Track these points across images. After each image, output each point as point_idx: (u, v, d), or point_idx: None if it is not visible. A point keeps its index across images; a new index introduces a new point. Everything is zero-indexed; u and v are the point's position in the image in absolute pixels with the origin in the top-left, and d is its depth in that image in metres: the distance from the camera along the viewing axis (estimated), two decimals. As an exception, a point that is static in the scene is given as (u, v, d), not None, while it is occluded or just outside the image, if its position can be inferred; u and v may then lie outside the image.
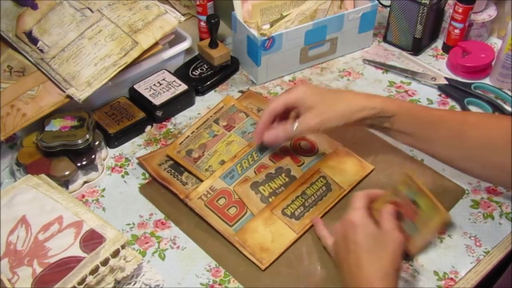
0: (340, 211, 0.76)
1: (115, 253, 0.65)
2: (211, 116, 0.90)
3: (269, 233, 0.74)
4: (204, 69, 1.00)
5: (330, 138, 0.86)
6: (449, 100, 0.97)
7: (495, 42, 1.08)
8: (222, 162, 0.82)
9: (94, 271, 0.63)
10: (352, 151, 0.85)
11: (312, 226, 0.75)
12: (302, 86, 0.76)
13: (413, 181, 0.68)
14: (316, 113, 0.73)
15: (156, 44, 0.87)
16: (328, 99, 0.74)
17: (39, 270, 0.63)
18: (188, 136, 0.87)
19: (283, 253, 0.72)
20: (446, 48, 1.06)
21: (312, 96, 0.74)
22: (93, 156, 0.81)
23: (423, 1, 0.99)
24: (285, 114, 0.77)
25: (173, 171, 0.82)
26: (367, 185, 0.81)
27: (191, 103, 0.96)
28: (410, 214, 0.68)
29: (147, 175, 0.84)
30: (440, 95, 0.98)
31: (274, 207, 0.76)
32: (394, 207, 0.68)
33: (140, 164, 0.85)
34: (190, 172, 0.82)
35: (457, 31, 1.02)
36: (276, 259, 0.72)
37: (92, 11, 0.88)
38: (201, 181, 0.80)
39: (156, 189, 0.81)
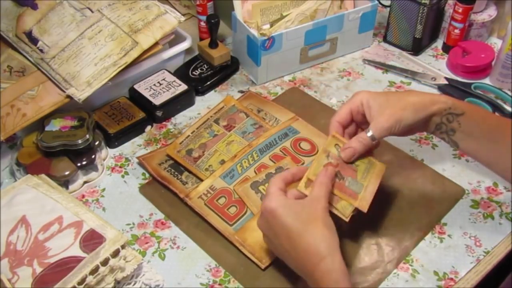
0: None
1: (115, 253, 0.65)
2: (211, 116, 0.90)
3: None
4: (204, 69, 1.00)
5: None
6: (449, 100, 0.97)
7: (495, 42, 1.08)
8: (222, 162, 0.82)
9: (94, 271, 0.63)
10: None
11: None
12: (361, 91, 0.72)
13: (341, 141, 0.68)
14: (387, 114, 0.68)
15: (156, 44, 0.87)
16: (395, 96, 0.70)
17: (39, 270, 0.63)
18: (188, 135, 0.87)
19: None
20: (446, 48, 1.06)
21: (377, 97, 0.70)
22: (93, 156, 0.81)
23: (423, 1, 0.99)
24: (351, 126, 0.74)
25: (173, 170, 0.82)
26: None
27: (191, 103, 0.96)
28: (349, 172, 0.68)
29: (147, 175, 0.84)
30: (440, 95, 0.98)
31: None
32: (329, 170, 0.66)
33: (140, 163, 0.85)
34: (190, 172, 0.82)
35: (457, 31, 1.02)
36: (276, 258, 0.72)
37: (92, 11, 0.88)
38: (201, 180, 0.80)
39: (156, 189, 0.81)
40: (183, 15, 0.93)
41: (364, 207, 0.67)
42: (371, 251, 0.72)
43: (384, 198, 0.79)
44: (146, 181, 0.83)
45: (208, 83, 0.98)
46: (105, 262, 0.64)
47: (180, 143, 0.86)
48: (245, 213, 0.76)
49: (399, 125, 0.68)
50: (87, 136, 0.79)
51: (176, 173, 0.82)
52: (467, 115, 0.68)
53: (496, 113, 0.91)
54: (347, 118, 0.72)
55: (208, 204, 0.77)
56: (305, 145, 0.85)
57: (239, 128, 0.87)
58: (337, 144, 0.71)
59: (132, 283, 0.69)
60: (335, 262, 0.59)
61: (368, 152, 0.72)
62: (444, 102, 0.68)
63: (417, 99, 0.69)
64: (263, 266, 0.70)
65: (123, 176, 0.84)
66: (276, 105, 0.93)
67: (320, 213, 0.62)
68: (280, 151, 0.83)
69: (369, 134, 0.69)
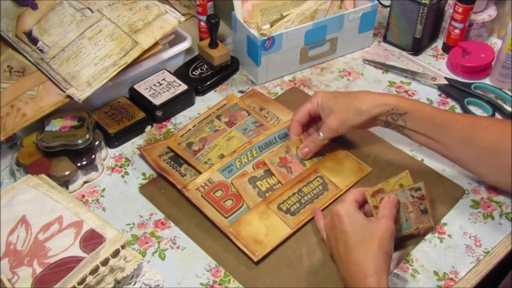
0: None
1: (115, 253, 0.65)
2: (213, 112, 0.90)
3: (264, 227, 0.74)
4: (204, 69, 1.00)
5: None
6: (449, 100, 0.97)
7: (495, 42, 1.08)
8: (222, 156, 0.82)
9: (94, 271, 0.63)
10: (352, 151, 0.85)
11: (307, 223, 0.75)
12: (320, 91, 0.81)
13: (410, 180, 0.72)
14: (335, 116, 0.77)
15: (156, 44, 0.87)
16: (344, 100, 0.77)
17: (39, 270, 0.63)
18: (190, 129, 0.88)
19: (276, 247, 0.73)
20: (446, 48, 1.06)
21: (329, 100, 0.78)
22: (93, 156, 0.81)
23: (423, 1, 0.99)
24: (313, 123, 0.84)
25: (172, 162, 0.83)
26: (366, 185, 0.80)
27: (191, 103, 0.96)
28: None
29: (147, 174, 0.84)
30: (440, 95, 0.98)
31: (270, 202, 0.77)
32: (392, 197, 0.70)
33: (140, 154, 0.85)
34: (189, 164, 0.82)
35: (457, 31, 1.02)
36: (270, 252, 0.72)
37: (92, 11, 0.88)
38: (200, 173, 0.81)
39: (156, 189, 0.81)
40: (183, 15, 0.93)
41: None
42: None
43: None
44: (146, 181, 0.83)
45: (208, 83, 0.98)
46: (105, 262, 0.64)
47: (181, 136, 0.86)
48: (241, 206, 0.76)
49: (345, 126, 0.77)
50: (87, 136, 0.79)
51: (175, 165, 0.83)
52: (411, 114, 0.74)
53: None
54: (306, 117, 0.82)
55: (205, 196, 0.77)
56: None
57: (240, 125, 0.87)
58: (298, 147, 0.82)
59: (132, 283, 0.69)
60: (380, 282, 0.61)
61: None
62: (386, 104, 0.75)
63: (360, 102, 0.76)
64: (255, 259, 0.71)
65: (123, 176, 0.84)
66: (278, 104, 0.93)
67: (381, 234, 0.65)
68: (280, 147, 0.84)
69: (320, 135, 0.80)
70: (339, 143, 0.85)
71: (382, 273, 0.62)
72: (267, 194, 0.78)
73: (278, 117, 0.90)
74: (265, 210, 0.76)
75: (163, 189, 0.81)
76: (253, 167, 0.81)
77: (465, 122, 0.74)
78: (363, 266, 0.62)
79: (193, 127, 0.88)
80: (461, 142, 0.73)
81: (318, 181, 0.80)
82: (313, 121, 0.84)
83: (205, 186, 0.78)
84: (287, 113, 0.90)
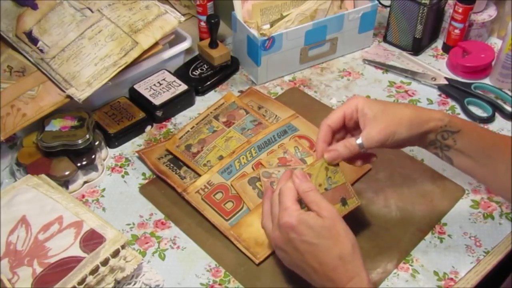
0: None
1: (115, 253, 0.65)
2: (211, 112, 0.90)
3: None
4: (204, 69, 1.00)
5: None
6: (449, 100, 0.97)
7: (495, 42, 1.08)
8: (221, 158, 0.82)
9: (94, 271, 0.63)
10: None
11: None
12: (359, 96, 0.69)
13: (301, 145, 0.75)
14: (381, 126, 0.66)
15: (156, 44, 0.87)
16: (391, 109, 0.67)
17: (39, 270, 0.63)
18: (188, 131, 0.87)
19: None
20: (446, 48, 1.06)
21: (372, 107, 0.67)
22: (93, 156, 0.81)
23: (423, 1, 0.99)
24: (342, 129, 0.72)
25: (172, 165, 0.83)
26: (367, 185, 0.81)
27: (191, 103, 0.96)
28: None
29: (147, 175, 0.84)
30: (440, 95, 0.98)
31: None
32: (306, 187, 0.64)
33: (139, 157, 0.85)
34: (188, 167, 0.82)
35: (457, 31, 1.02)
36: (271, 254, 0.72)
37: (92, 11, 0.88)
38: (199, 175, 0.80)
39: (156, 189, 0.81)
40: (183, 15, 0.93)
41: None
42: (371, 251, 0.72)
43: (384, 197, 0.79)
44: (146, 181, 0.83)
45: (208, 83, 0.98)
46: (105, 262, 0.64)
47: (180, 138, 0.86)
48: (241, 208, 0.76)
49: (392, 139, 0.66)
50: (87, 136, 0.79)
51: (174, 167, 0.83)
52: (463, 133, 0.67)
53: (484, 127, 0.89)
54: (339, 122, 0.70)
55: (205, 199, 0.77)
56: (304, 143, 0.85)
57: (238, 125, 0.87)
58: (296, 146, 0.80)
59: (132, 283, 0.69)
60: (364, 280, 0.59)
61: (352, 161, 0.71)
62: (440, 120, 0.66)
63: (414, 114, 0.66)
64: (257, 261, 0.71)
65: (123, 176, 0.84)
66: (276, 102, 0.93)
67: (337, 228, 0.61)
68: (278, 147, 0.84)
69: (359, 141, 0.67)
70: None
71: (361, 268, 0.60)
72: None
73: (276, 115, 0.90)
74: None
75: (163, 189, 0.81)
76: (253, 168, 0.81)
77: None
78: (343, 270, 0.59)
79: (191, 128, 0.88)
80: (509, 166, 0.66)
81: None
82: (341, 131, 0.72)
83: (205, 188, 0.78)
84: (286, 111, 0.90)
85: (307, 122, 0.88)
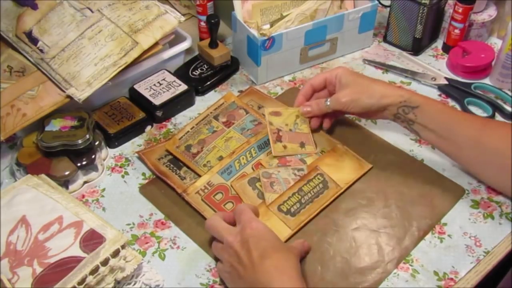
0: (336, 209, 0.77)
1: (115, 253, 0.65)
2: (211, 112, 0.90)
3: None
4: (204, 69, 1.00)
5: (330, 137, 0.86)
6: (449, 100, 0.97)
7: (495, 42, 1.08)
8: (220, 158, 0.82)
9: (94, 271, 0.63)
10: (351, 150, 0.85)
11: (307, 223, 0.75)
12: (342, 67, 0.84)
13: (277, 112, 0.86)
14: (348, 92, 0.79)
15: (156, 44, 0.87)
16: (362, 81, 0.80)
17: (39, 270, 0.63)
18: (188, 131, 0.87)
19: None
20: (446, 48, 1.06)
21: (349, 76, 0.80)
22: (93, 156, 0.81)
23: (423, 1, 0.99)
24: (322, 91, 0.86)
25: (172, 165, 0.83)
26: (367, 186, 0.81)
27: (191, 103, 0.96)
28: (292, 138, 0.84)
29: (147, 175, 0.84)
30: (440, 95, 0.98)
31: (270, 203, 0.76)
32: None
33: (139, 158, 0.85)
34: (188, 167, 0.82)
35: (457, 31, 1.02)
36: None
37: (92, 11, 0.88)
38: (199, 176, 0.80)
39: (156, 189, 0.81)
40: (183, 15, 0.93)
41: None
42: (371, 251, 0.72)
43: (385, 197, 0.79)
44: (146, 181, 0.83)
45: (208, 83, 0.98)
46: (105, 262, 0.64)
47: (180, 139, 0.86)
48: None
49: (354, 104, 0.79)
50: (87, 136, 0.79)
51: (174, 168, 0.82)
52: (422, 108, 0.75)
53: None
54: (321, 83, 0.85)
55: (205, 199, 0.77)
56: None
57: (238, 125, 0.87)
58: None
59: (132, 283, 0.69)
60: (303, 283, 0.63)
61: (326, 121, 0.86)
62: (400, 96, 0.76)
63: (376, 88, 0.78)
64: None
65: (123, 176, 0.84)
66: (277, 101, 0.93)
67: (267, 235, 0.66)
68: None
69: (327, 102, 0.82)
70: (338, 138, 0.86)
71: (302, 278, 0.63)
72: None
73: (266, 107, 0.90)
74: (265, 211, 0.75)
75: (163, 189, 0.81)
76: (252, 168, 0.81)
77: (475, 122, 0.74)
78: (286, 269, 0.62)
79: (191, 129, 0.88)
80: (469, 141, 0.74)
81: (318, 179, 0.80)
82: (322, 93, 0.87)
83: (205, 189, 0.78)
84: None
85: (307, 120, 0.88)
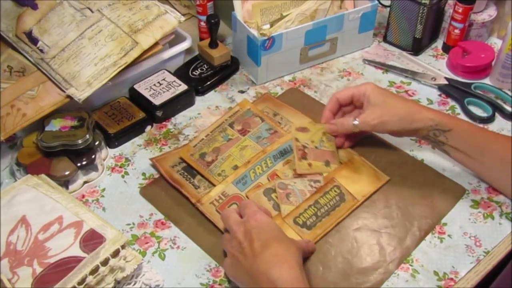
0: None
1: (115, 253, 0.65)
2: (226, 120, 0.89)
3: None
4: (204, 69, 1.00)
5: (348, 148, 0.85)
6: (449, 100, 0.97)
7: (495, 42, 1.08)
8: (235, 167, 0.81)
9: (94, 271, 0.63)
10: (350, 150, 0.84)
11: (323, 236, 0.73)
12: (371, 83, 0.80)
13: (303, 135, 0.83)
14: (378, 114, 0.77)
15: (156, 44, 0.87)
16: (391, 102, 0.77)
17: (39, 270, 0.63)
18: (203, 139, 0.86)
19: None
20: (446, 48, 1.06)
21: (378, 95, 0.78)
22: (93, 156, 0.81)
23: (423, 1, 0.99)
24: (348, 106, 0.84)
25: (186, 173, 0.81)
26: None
27: (191, 103, 0.96)
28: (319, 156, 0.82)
29: (147, 174, 0.84)
30: (440, 95, 0.98)
31: (286, 215, 0.74)
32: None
33: (153, 165, 0.84)
34: (202, 176, 0.81)
35: (457, 31, 1.02)
36: None
37: (92, 11, 0.88)
38: (214, 185, 0.79)
39: (157, 191, 0.81)
40: (183, 15, 0.93)
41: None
42: (373, 251, 0.72)
43: (385, 197, 0.79)
44: (146, 181, 0.83)
45: (208, 83, 0.98)
46: (105, 262, 0.64)
47: (194, 146, 0.85)
48: None
49: (383, 127, 0.78)
50: (87, 136, 0.79)
51: (188, 176, 0.81)
52: (454, 132, 0.75)
53: (485, 127, 0.90)
54: (347, 99, 0.82)
55: (219, 210, 0.76)
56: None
57: (253, 133, 0.86)
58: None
59: (132, 283, 0.69)
60: (302, 273, 0.62)
61: (350, 139, 0.84)
62: (431, 119, 0.75)
63: (407, 111, 0.76)
64: None
65: (123, 176, 0.84)
66: (292, 109, 0.91)
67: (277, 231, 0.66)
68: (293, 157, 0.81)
69: (355, 122, 0.79)
70: (353, 148, 0.84)
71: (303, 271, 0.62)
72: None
73: (292, 123, 0.88)
74: (280, 224, 0.73)
75: (164, 192, 0.80)
76: (268, 179, 0.79)
77: (507, 143, 0.74)
78: (287, 258, 0.62)
79: (205, 136, 0.86)
80: (500, 161, 0.74)
81: (335, 191, 0.78)
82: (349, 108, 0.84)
83: (219, 199, 0.77)
84: (301, 118, 0.89)
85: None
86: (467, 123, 0.78)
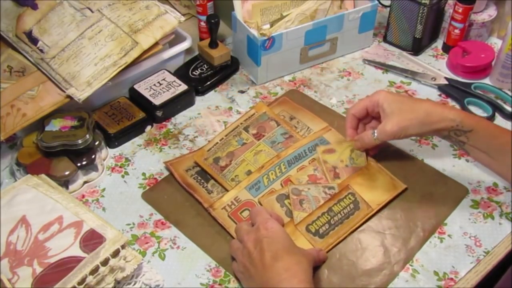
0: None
1: (115, 253, 0.65)
2: (241, 123, 0.88)
3: None
4: (204, 69, 1.00)
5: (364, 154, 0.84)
6: (449, 100, 0.97)
7: (495, 42, 1.08)
8: (249, 173, 0.80)
9: (94, 271, 0.63)
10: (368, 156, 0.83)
11: (336, 245, 0.73)
12: (383, 91, 0.78)
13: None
14: (395, 121, 0.74)
15: (156, 44, 0.87)
16: (407, 107, 0.75)
17: (39, 270, 0.63)
18: (217, 143, 0.85)
19: None
20: (446, 48, 1.06)
21: (391, 103, 0.75)
22: (93, 156, 0.81)
23: (423, 1, 0.99)
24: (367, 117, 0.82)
25: (199, 178, 0.81)
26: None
27: (191, 103, 0.96)
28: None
29: (147, 174, 0.84)
30: (440, 95, 0.98)
31: (298, 223, 0.74)
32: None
33: (167, 168, 0.83)
34: (216, 180, 0.80)
35: (457, 31, 1.02)
36: None
37: (92, 11, 0.88)
38: (227, 190, 0.79)
39: (158, 195, 0.80)
40: (183, 15, 0.93)
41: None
42: (377, 253, 0.72)
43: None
44: (146, 181, 0.83)
45: (208, 83, 0.98)
46: (105, 262, 0.64)
47: (208, 150, 0.84)
48: None
49: (404, 133, 0.75)
50: (87, 136, 0.79)
51: (202, 181, 0.81)
52: (475, 132, 0.73)
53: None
54: (362, 112, 0.80)
55: (231, 216, 0.75)
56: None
57: (268, 137, 0.85)
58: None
59: (132, 283, 0.69)
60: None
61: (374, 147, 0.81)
62: (452, 120, 0.72)
63: (426, 114, 0.73)
64: None
65: (123, 176, 0.84)
66: (309, 113, 0.90)
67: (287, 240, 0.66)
68: (309, 163, 0.81)
69: (375, 135, 0.77)
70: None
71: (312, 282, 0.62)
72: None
73: (308, 127, 0.87)
74: (293, 231, 0.72)
75: (166, 195, 0.80)
76: (281, 184, 0.78)
77: None
78: (297, 272, 0.61)
79: (220, 140, 0.85)
80: None
81: (349, 198, 0.76)
82: (368, 117, 0.83)
83: (231, 205, 0.76)
84: (319, 123, 0.88)
85: (339, 134, 0.86)
86: (489, 123, 0.76)
